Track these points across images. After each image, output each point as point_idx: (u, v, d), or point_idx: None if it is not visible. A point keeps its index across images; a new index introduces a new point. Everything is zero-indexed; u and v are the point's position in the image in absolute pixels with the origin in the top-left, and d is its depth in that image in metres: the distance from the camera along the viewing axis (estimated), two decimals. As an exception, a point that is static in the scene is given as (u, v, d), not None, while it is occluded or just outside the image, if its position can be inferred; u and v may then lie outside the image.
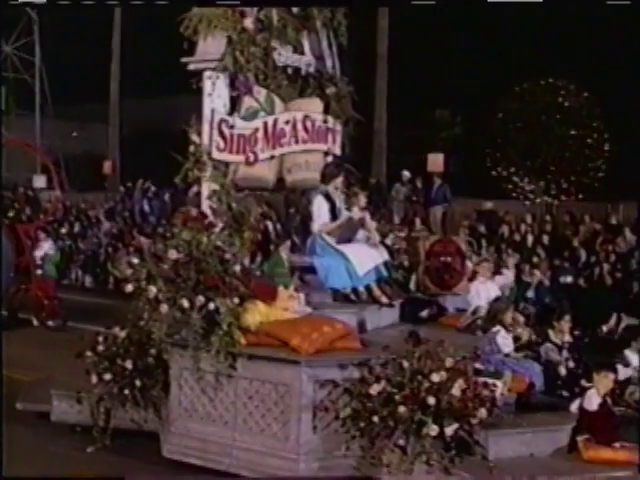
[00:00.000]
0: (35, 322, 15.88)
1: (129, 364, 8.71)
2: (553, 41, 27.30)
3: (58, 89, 36.77)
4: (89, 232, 25.67)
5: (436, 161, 22.65)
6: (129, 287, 8.19)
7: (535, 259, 16.59)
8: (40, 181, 30.08)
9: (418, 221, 19.66)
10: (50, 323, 15.75)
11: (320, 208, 9.51)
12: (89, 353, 8.93)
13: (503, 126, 27.01)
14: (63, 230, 25.50)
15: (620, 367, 9.73)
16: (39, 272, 16.29)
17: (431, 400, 7.06)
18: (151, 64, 32.57)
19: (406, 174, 22.92)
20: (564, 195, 26.39)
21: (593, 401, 7.74)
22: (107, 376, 8.79)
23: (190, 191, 9.39)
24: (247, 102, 9.14)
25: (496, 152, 27.45)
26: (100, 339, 9.02)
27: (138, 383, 8.70)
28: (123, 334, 8.94)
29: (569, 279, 15.89)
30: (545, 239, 18.27)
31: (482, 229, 19.41)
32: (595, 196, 24.37)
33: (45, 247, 16.69)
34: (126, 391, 8.73)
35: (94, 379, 8.87)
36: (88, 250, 24.41)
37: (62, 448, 8.69)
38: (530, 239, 18.46)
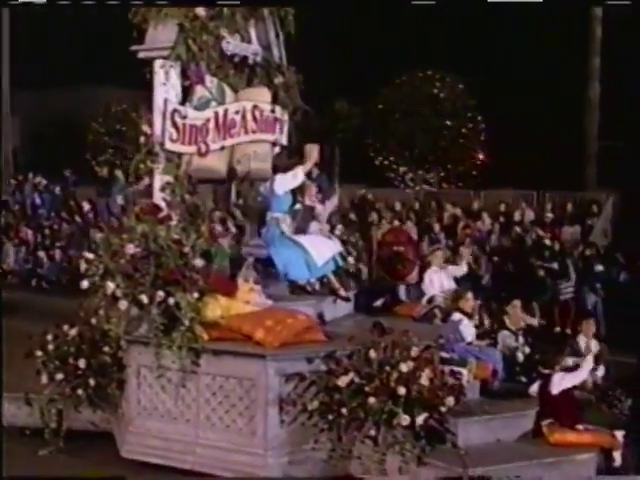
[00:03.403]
0: None
1: (82, 363, 8.44)
2: (433, 34, 27.65)
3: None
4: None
5: (312, 152, 22.61)
6: (85, 283, 7.91)
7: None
8: None
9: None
10: None
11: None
12: (39, 352, 8.60)
13: (383, 116, 27.31)
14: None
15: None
16: None
17: (401, 390, 7.04)
18: (48, 55, 31.57)
19: None
20: (445, 183, 26.93)
21: (564, 383, 7.86)
22: (59, 376, 8.50)
23: (140, 183, 9.09)
24: (199, 92, 8.92)
25: (377, 142, 27.80)
26: (49, 337, 8.70)
27: (92, 382, 8.44)
28: (74, 332, 8.66)
29: None
30: (409, 224, 18.56)
31: (352, 216, 19.54)
32: (483, 185, 24.65)
33: None
34: (80, 391, 8.46)
35: (44, 379, 8.56)
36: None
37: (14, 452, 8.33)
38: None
